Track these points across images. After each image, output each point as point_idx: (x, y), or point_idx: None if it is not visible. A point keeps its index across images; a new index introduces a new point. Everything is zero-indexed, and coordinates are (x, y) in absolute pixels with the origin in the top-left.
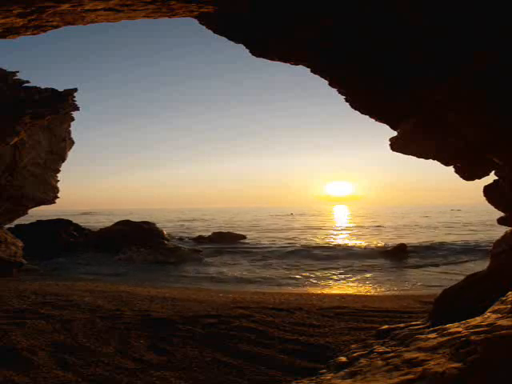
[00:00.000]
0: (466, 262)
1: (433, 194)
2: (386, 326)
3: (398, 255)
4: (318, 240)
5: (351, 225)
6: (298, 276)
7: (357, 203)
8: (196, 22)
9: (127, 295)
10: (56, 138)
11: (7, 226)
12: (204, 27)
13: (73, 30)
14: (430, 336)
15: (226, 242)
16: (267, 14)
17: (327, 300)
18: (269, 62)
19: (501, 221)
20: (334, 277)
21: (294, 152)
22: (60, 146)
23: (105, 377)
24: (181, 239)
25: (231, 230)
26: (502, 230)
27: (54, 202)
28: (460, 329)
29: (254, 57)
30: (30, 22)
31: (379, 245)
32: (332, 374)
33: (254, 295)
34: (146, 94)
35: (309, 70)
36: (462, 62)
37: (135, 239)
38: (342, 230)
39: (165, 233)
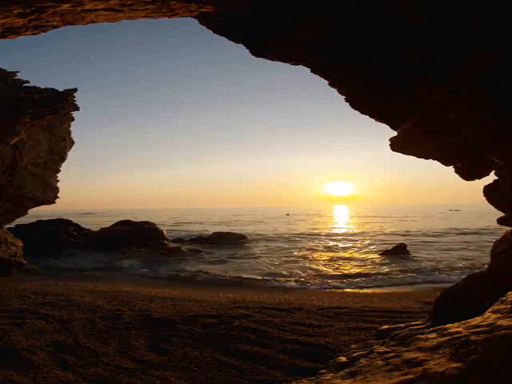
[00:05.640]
0: (466, 261)
1: (433, 194)
2: (386, 326)
3: (397, 255)
4: (318, 240)
5: (351, 225)
6: (298, 276)
7: (357, 203)
8: (196, 22)
9: (127, 295)
10: (56, 138)
11: (7, 226)
12: (204, 27)
13: (73, 29)
14: (430, 336)
15: (225, 242)
16: (267, 14)
17: (327, 300)
18: (269, 62)
19: (501, 221)
20: (334, 276)
21: (294, 152)
22: (60, 146)
23: (105, 377)
24: (180, 239)
25: (231, 230)
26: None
27: (54, 202)
28: (460, 329)
29: (253, 57)
30: (30, 21)
31: (379, 244)
32: (332, 374)
33: (254, 295)
34: (146, 93)
35: (309, 70)
36: (461, 61)
37: (135, 239)
38: (342, 230)
39: (165, 233)
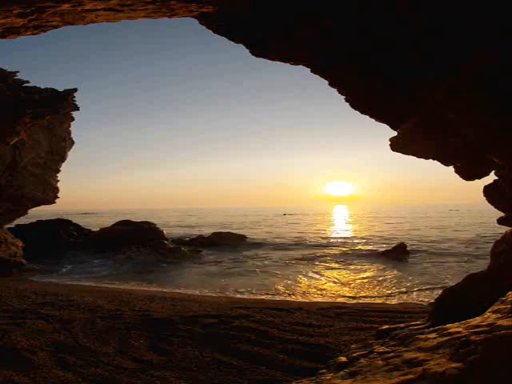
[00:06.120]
0: (467, 260)
1: (433, 194)
2: (386, 326)
3: (397, 254)
4: (318, 240)
5: (351, 225)
6: (298, 275)
7: (357, 203)
8: (196, 22)
9: (127, 295)
10: (56, 138)
11: (7, 226)
12: (204, 27)
13: (73, 29)
14: (430, 336)
15: (225, 242)
16: (267, 14)
17: (327, 300)
18: (269, 62)
19: (501, 221)
20: (335, 276)
21: (294, 152)
22: (60, 146)
23: (105, 377)
24: (180, 239)
25: (231, 231)
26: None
27: (54, 202)
28: (460, 329)
29: (253, 57)
30: (30, 21)
31: (379, 244)
32: (332, 374)
33: (254, 295)
34: (146, 93)
35: (309, 70)
36: (461, 61)
37: (135, 239)
38: (342, 230)
39: (165, 233)
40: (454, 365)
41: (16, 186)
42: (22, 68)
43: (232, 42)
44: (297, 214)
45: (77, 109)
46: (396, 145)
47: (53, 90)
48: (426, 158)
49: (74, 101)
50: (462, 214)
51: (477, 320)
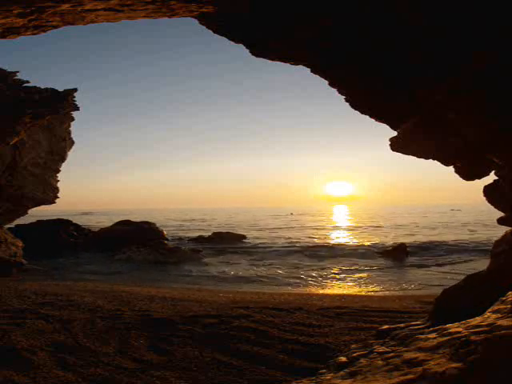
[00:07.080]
0: (466, 261)
1: (433, 194)
2: (386, 326)
3: (397, 255)
4: (318, 240)
5: (351, 225)
6: (298, 276)
7: (357, 203)
8: (196, 22)
9: (127, 295)
10: (56, 138)
11: (7, 226)
12: (204, 27)
13: (73, 29)
14: (429, 336)
15: (225, 242)
16: (267, 14)
17: (327, 300)
18: (269, 62)
19: (501, 221)
20: (334, 277)
21: (294, 152)
22: (60, 146)
23: (105, 377)
24: (180, 239)
25: (231, 230)
26: (501, 229)
27: (54, 202)
28: (460, 329)
29: (253, 57)
30: (30, 21)
31: (379, 245)
32: (332, 374)
33: (254, 295)
34: (146, 93)
35: (309, 70)
36: (461, 61)
37: (135, 239)
38: (342, 230)
39: (165, 233)
40: (454, 365)
41: (16, 185)
42: (22, 68)
43: (232, 42)
44: (296, 214)
45: (77, 109)
46: (396, 145)
47: (53, 90)
48: (426, 158)
49: (74, 101)
50: (463, 214)
51: (477, 320)
